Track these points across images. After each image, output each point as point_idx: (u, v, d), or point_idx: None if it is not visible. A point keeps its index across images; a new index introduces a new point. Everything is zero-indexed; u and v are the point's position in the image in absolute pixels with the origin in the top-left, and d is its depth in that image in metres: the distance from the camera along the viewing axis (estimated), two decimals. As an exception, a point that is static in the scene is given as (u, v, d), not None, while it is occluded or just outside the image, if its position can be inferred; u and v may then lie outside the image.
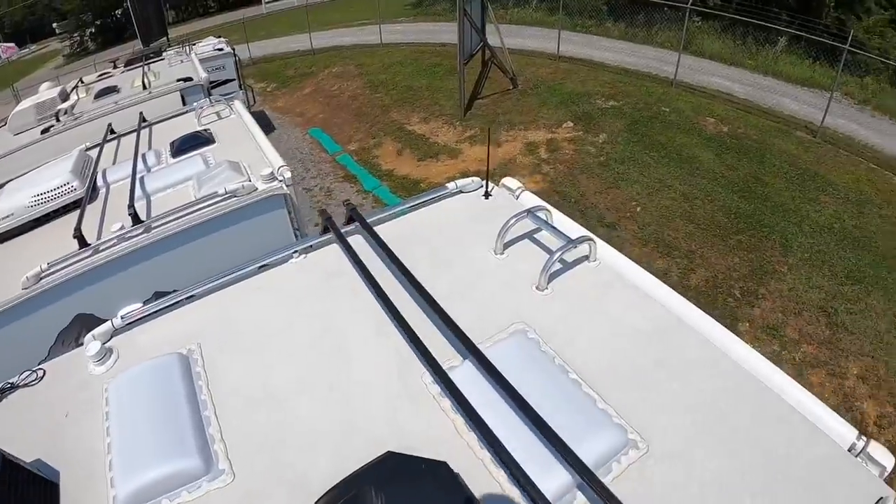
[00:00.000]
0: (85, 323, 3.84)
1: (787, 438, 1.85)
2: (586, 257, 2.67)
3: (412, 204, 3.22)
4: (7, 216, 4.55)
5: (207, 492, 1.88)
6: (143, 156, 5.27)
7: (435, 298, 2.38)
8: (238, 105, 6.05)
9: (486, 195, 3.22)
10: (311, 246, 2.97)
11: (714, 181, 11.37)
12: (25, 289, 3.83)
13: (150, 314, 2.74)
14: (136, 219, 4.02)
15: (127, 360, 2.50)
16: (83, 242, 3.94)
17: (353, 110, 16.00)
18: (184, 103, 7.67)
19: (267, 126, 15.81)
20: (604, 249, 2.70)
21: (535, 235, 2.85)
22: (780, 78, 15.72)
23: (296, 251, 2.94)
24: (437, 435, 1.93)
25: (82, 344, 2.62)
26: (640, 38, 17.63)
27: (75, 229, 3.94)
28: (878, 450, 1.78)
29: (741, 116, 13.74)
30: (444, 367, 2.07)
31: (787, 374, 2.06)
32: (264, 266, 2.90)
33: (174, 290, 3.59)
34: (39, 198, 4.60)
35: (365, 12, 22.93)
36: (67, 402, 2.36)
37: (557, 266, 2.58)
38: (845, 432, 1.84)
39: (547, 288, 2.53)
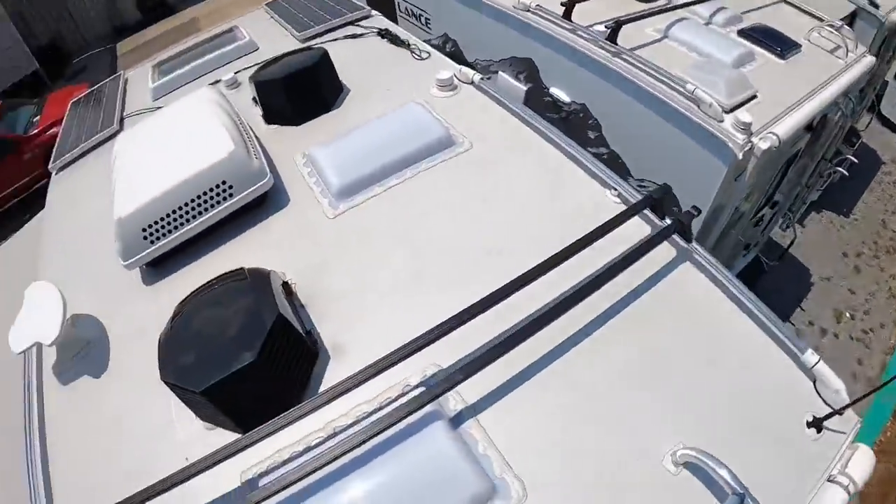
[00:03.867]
0: (523, 64, 4.30)
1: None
2: None
3: None
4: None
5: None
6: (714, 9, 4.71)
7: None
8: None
9: None
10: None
11: None
12: (515, 6, 4.33)
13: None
14: (612, 38, 3.82)
15: (452, 102, 2.99)
16: (567, 15, 4.10)
17: None
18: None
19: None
20: None
21: None
22: None
23: (616, 189, 2.45)
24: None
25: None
26: None
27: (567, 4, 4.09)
28: None
29: None
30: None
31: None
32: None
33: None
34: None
35: None
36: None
37: None
38: None
39: None
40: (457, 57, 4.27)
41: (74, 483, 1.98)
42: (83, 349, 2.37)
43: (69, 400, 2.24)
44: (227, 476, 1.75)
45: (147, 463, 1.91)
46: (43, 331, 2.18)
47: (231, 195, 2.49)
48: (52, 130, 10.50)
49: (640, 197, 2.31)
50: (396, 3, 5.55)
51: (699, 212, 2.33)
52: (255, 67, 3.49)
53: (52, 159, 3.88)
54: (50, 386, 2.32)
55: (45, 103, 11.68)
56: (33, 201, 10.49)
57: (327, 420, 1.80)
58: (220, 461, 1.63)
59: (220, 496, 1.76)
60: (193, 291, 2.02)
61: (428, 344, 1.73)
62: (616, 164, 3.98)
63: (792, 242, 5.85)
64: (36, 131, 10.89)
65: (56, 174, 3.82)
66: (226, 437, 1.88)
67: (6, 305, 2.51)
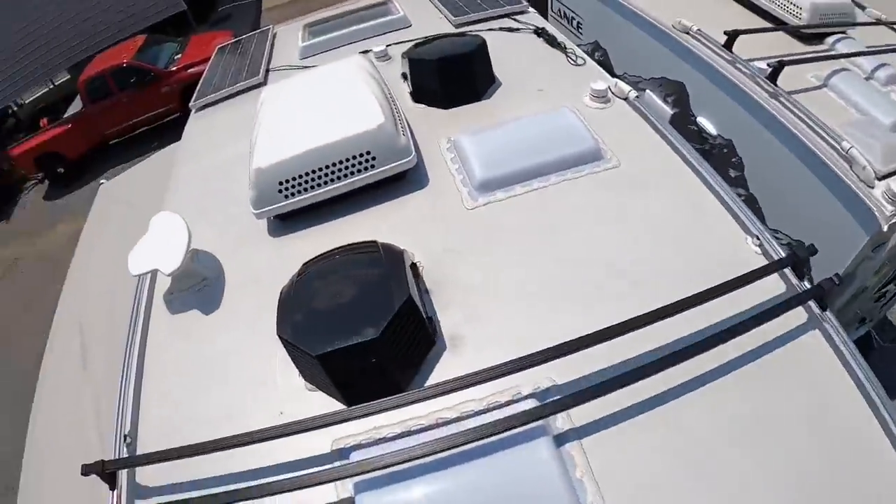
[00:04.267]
0: (673, 87, 4.20)
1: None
2: None
3: None
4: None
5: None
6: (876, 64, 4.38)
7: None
8: None
9: None
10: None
11: None
12: (674, 26, 4.18)
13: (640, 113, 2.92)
14: (772, 77, 3.64)
15: (603, 115, 2.90)
16: (729, 45, 3.95)
17: None
18: None
19: None
20: None
21: None
22: None
23: (757, 238, 2.22)
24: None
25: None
26: None
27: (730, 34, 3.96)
28: None
29: None
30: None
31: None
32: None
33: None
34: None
35: None
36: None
37: None
38: None
39: None
40: (604, 67, 4.16)
41: (163, 411, 2.03)
42: (199, 284, 2.43)
43: (175, 330, 2.30)
44: (318, 439, 1.73)
45: (240, 408, 1.93)
46: (164, 260, 2.24)
47: (373, 166, 2.48)
48: (191, 70, 11.07)
49: (782, 252, 2.14)
50: (549, 3, 5.47)
51: (840, 280, 2.13)
52: (408, 43, 3.49)
53: (193, 98, 4.05)
54: (158, 313, 2.39)
55: (188, 44, 12.37)
56: (164, 131, 11.11)
57: (430, 409, 1.76)
58: (317, 427, 1.62)
59: (307, 458, 1.75)
60: (322, 254, 2.02)
61: (548, 360, 1.66)
62: (753, 207, 3.78)
63: (910, 325, 5.51)
64: (175, 68, 11.53)
65: (195, 112, 3.98)
66: (324, 401, 1.87)
67: (128, 224, 2.61)
